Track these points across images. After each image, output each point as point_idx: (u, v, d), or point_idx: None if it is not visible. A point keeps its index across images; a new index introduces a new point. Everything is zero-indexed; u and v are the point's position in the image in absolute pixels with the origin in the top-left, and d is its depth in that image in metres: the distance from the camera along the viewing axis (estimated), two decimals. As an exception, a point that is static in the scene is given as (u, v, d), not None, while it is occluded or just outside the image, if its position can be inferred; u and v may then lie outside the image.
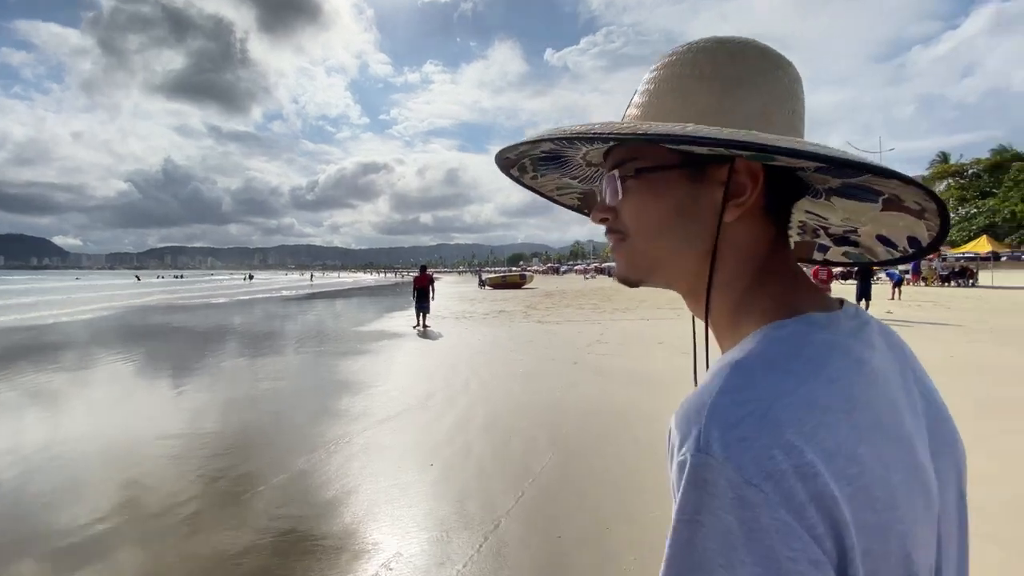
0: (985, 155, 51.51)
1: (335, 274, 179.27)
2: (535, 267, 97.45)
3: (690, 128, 0.39)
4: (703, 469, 0.33)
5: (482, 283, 36.39)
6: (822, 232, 0.54)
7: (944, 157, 59.00)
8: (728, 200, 0.43)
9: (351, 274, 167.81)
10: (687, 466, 0.34)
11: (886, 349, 0.43)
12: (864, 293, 13.39)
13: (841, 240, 0.53)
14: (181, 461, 4.16)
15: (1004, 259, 27.24)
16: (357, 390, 6.36)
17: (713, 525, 0.32)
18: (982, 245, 27.40)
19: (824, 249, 0.56)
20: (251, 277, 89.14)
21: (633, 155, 0.46)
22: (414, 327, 12.38)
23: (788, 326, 0.40)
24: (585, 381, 6.55)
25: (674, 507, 0.35)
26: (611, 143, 0.48)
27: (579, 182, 0.61)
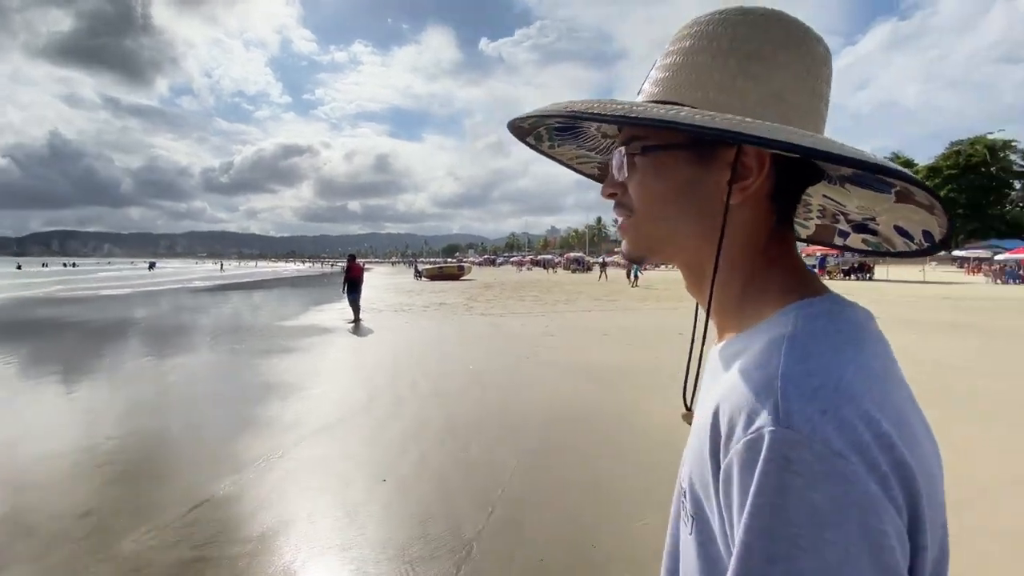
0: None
1: (252, 263, 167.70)
2: (471, 258, 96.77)
3: (671, 113, 0.39)
4: (785, 445, 0.31)
5: (418, 274, 35.38)
6: (842, 218, 0.53)
7: (843, 163, 65.11)
8: (733, 183, 0.42)
9: (271, 264, 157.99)
10: (764, 443, 0.32)
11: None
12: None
13: (860, 227, 0.52)
14: (68, 488, 3.37)
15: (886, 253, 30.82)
16: (288, 394, 5.65)
17: (797, 506, 0.30)
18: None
19: (844, 235, 0.55)
20: (153, 266, 79.66)
21: (642, 132, 0.46)
22: (350, 322, 11.57)
23: (817, 304, 0.41)
24: (541, 377, 6.26)
25: (747, 492, 0.32)
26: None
27: (596, 153, 0.61)
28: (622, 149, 0.47)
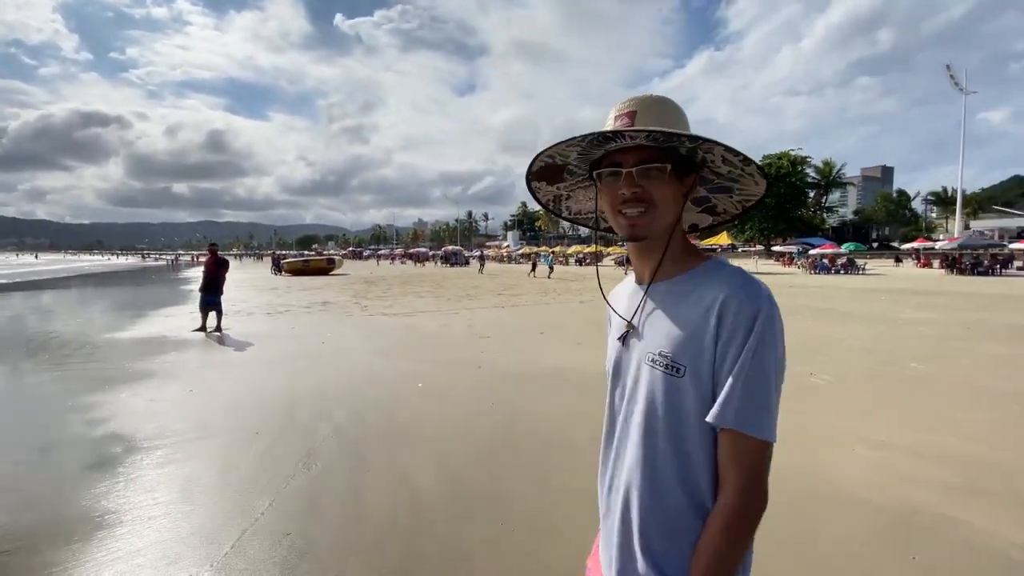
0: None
1: (31, 256, 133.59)
2: (332, 251, 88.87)
3: (699, 135, 0.83)
4: (762, 312, 0.77)
5: (278, 268, 30.83)
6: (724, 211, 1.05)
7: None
8: (687, 192, 0.90)
9: (67, 256, 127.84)
10: (762, 311, 0.78)
11: None
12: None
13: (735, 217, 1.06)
14: None
15: (724, 250, 35.70)
16: (156, 460, 3.52)
17: (771, 330, 0.78)
18: (723, 239, 34.55)
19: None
20: None
21: (651, 157, 0.85)
22: (196, 330, 8.70)
23: (720, 258, 0.88)
24: (518, 395, 4.93)
25: (751, 335, 0.77)
26: (632, 143, 0.86)
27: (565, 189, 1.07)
28: (643, 166, 0.85)
